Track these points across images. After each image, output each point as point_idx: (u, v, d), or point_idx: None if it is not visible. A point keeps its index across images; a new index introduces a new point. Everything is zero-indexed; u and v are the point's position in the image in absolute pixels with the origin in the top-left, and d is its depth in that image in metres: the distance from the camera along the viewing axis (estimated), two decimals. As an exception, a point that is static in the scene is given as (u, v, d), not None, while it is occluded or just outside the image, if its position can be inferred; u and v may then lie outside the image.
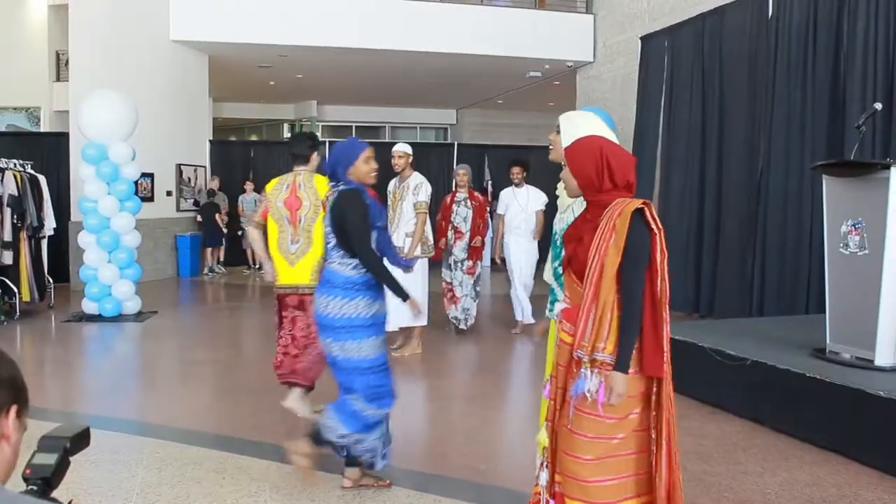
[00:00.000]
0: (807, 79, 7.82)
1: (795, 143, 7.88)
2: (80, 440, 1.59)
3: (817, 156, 7.38)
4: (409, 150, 7.24)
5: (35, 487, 1.45)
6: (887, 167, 4.68)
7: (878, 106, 5.44)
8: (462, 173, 8.32)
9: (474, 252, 8.13)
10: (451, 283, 8.15)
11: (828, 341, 5.09)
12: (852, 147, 5.34)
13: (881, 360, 4.73)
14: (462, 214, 8.13)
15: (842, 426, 4.46)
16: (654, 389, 2.67)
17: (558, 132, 3.42)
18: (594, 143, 2.76)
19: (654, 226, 2.65)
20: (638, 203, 2.65)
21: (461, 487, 4.00)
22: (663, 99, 10.20)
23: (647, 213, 2.66)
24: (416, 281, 7.12)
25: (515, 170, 8.38)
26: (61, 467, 1.51)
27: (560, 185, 3.34)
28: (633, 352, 2.60)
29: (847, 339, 4.97)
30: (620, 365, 2.59)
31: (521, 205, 8.27)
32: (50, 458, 1.49)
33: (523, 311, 8.37)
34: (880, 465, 4.16)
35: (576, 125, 3.33)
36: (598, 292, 2.62)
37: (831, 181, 5.12)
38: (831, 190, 5.12)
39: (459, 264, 8.12)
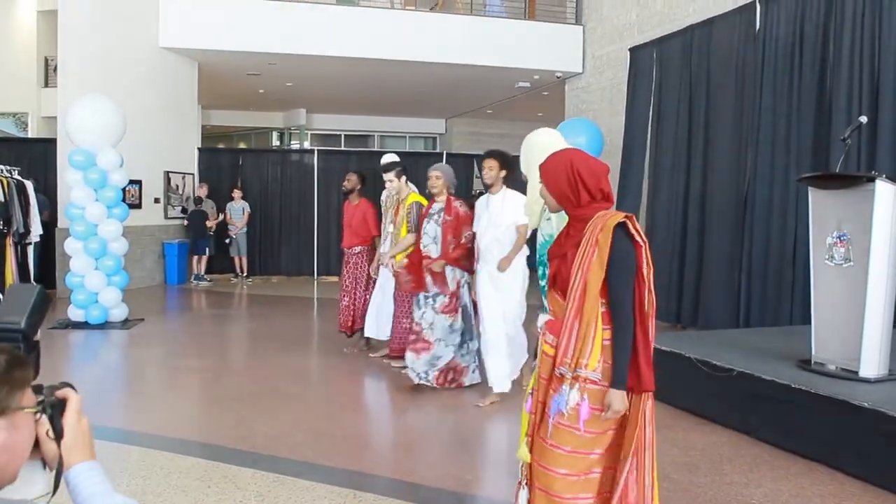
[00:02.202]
0: (793, 91, 7.87)
1: (781, 155, 7.93)
2: (38, 314, 1.45)
3: (803, 168, 7.42)
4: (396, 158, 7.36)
5: None
6: (872, 180, 4.72)
7: (864, 119, 5.49)
8: (435, 177, 6.15)
9: (442, 281, 5.99)
10: (420, 324, 6.06)
11: (813, 352, 5.12)
12: (838, 159, 5.38)
13: (866, 371, 4.76)
14: (431, 233, 6.09)
15: (827, 437, 4.48)
16: (630, 406, 2.63)
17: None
18: (564, 157, 2.73)
19: (638, 238, 2.62)
20: (620, 217, 2.61)
21: (445, 498, 3.99)
22: (651, 110, 10.25)
23: (631, 227, 2.62)
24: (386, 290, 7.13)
25: (489, 164, 5.70)
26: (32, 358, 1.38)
27: (524, 203, 3.38)
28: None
29: (832, 351, 5.00)
30: (617, 381, 2.56)
31: (491, 217, 5.68)
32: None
33: (495, 375, 5.75)
34: (864, 476, 4.18)
35: (526, 151, 3.37)
36: (581, 309, 2.58)
37: (817, 193, 5.16)
38: (817, 202, 5.16)
39: (431, 300, 6.02)
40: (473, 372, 6.16)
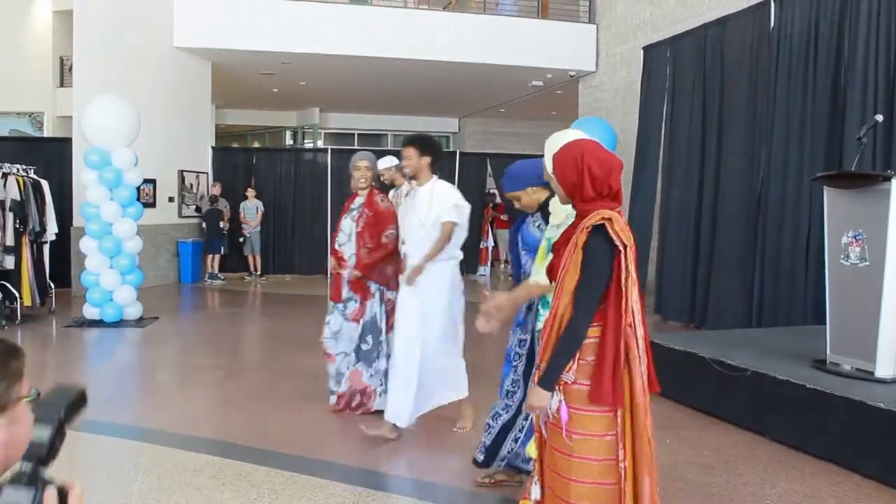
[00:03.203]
0: (807, 89, 7.83)
1: (795, 154, 7.88)
2: (76, 407, 1.45)
3: (817, 167, 7.38)
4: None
5: (27, 469, 1.32)
6: (888, 179, 4.69)
7: (880, 118, 5.46)
8: (365, 167, 5.40)
9: (358, 287, 5.32)
10: (325, 331, 5.52)
11: (828, 352, 5.10)
12: (852, 158, 5.35)
13: (881, 371, 4.73)
14: (346, 230, 5.44)
15: (842, 438, 4.45)
16: (621, 418, 2.48)
17: None
18: (576, 148, 2.61)
19: (617, 242, 2.45)
20: (598, 218, 2.47)
21: (460, 497, 3.99)
22: (665, 109, 10.21)
23: (610, 229, 2.46)
24: None
25: (406, 153, 4.75)
26: (56, 443, 1.38)
27: (552, 200, 3.33)
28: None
29: (847, 351, 4.97)
30: (542, 379, 2.49)
31: (420, 214, 4.73)
32: (44, 433, 1.35)
33: (392, 403, 4.77)
34: (880, 477, 4.15)
35: (551, 150, 3.35)
36: (557, 309, 2.51)
37: (832, 192, 5.13)
38: (832, 201, 5.13)
39: (343, 305, 5.42)
40: (381, 396, 5.23)
